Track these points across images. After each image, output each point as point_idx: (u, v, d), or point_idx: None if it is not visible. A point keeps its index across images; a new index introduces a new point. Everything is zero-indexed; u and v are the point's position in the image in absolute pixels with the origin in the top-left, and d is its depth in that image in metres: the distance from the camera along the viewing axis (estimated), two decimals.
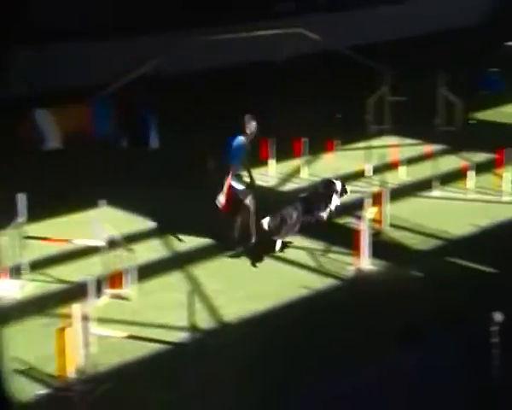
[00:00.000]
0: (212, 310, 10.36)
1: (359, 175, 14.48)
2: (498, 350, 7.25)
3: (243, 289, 10.93)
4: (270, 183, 14.72)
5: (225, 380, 8.72)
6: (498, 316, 7.47)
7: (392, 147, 15.29)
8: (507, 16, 29.22)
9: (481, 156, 15.24)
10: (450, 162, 15.29)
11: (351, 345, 9.41)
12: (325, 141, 14.57)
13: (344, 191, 12.77)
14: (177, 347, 9.42)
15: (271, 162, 14.73)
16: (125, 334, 9.46)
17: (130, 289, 10.61)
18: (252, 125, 11.94)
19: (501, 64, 21.07)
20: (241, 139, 11.87)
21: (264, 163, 14.72)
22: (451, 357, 6.78)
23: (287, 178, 15.01)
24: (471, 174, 13.89)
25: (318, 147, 15.44)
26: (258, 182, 14.35)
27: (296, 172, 15.09)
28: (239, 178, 12.01)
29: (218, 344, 9.35)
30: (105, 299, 10.54)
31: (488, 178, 14.48)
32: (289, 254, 11.91)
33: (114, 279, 10.62)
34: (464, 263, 11.54)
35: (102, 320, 9.71)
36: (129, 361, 9.22)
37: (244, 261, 11.74)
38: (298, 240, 12.30)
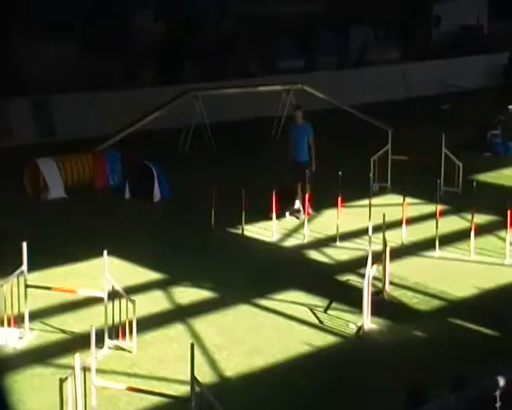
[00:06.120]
0: (212, 364, 10.32)
1: (361, 233, 14.49)
2: None
3: (244, 344, 10.88)
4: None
5: None
6: (502, 380, 7.45)
7: (394, 205, 15.34)
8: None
9: (483, 218, 15.27)
10: (453, 223, 15.34)
11: (353, 404, 9.37)
12: (335, 197, 14.61)
13: None
14: (177, 400, 9.35)
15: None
16: (124, 386, 9.39)
17: (131, 340, 10.56)
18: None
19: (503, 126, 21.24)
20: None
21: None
22: None
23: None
24: (473, 236, 13.88)
25: (322, 203, 15.55)
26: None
27: (299, 226, 15.14)
28: None
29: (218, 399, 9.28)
30: (106, 350, 10.50)
31: (490, 241, 14.52)
32: (290, 310, 11.88)
33: (116, 330, 10.59)
34: (466, 325, 11.51)
35: (103, 371, 9.66)
36: None
37: (244, 316, 11.71)
38: (299, 296, 12.28)
